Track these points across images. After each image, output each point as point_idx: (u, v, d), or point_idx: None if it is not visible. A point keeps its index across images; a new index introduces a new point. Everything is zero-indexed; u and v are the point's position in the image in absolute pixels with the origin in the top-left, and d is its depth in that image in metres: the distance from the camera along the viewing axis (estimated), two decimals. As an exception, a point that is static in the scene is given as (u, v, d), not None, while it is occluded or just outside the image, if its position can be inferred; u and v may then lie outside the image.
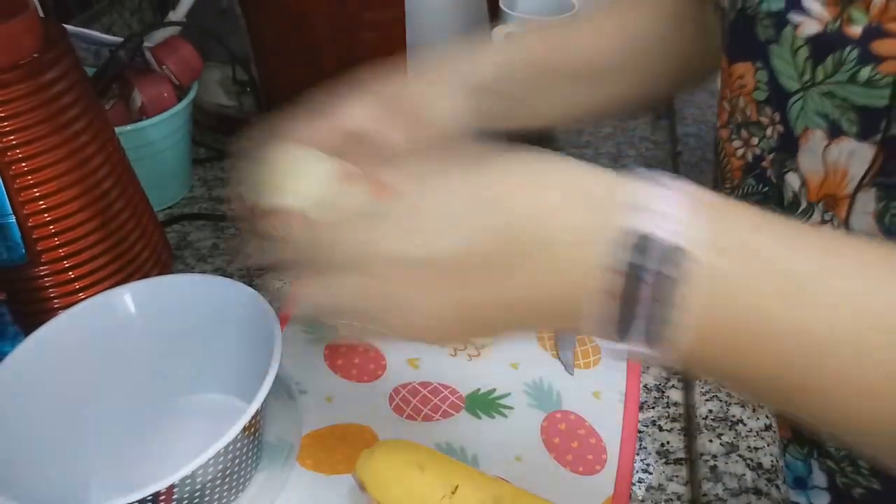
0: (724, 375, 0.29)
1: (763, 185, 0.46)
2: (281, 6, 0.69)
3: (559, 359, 0.53)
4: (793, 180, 0.43)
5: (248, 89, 0.77)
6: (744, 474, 0.43)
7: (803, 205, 0.43)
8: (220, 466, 0.41)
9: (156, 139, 0.64)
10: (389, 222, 0.31)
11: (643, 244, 0.27)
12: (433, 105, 0.44)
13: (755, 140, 0.46)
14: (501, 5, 0.74)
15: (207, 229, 0.69)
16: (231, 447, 0.41)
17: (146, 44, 0.64)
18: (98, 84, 0.63)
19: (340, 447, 0.47)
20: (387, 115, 0.41)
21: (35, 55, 0.49)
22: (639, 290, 0.27)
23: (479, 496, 0.39)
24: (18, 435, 0.44)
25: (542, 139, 0.81)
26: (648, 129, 0.85)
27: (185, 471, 0.39)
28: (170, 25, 0.65)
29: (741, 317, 0.26)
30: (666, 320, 0.27)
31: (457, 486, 0.39)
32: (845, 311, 0.26)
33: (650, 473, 0.46)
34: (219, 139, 0.80)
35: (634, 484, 0.45)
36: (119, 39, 0.64)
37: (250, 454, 0.44)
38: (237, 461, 0.43)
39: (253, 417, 0.41)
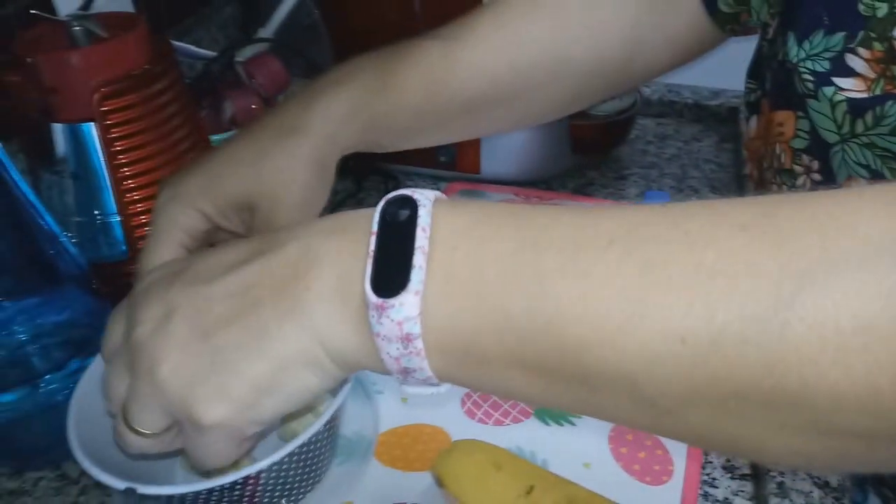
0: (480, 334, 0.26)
1: None
2: (363, 23, 0.72)
3: None
4: None
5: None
6: (811, 492, 0.44)
7: None
8: (303, 457, 0.44)
9: (243, 148, 0.68)
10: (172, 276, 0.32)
11: (386, 207, 0.28)
12: (279, 198, 0.44)
13: (784, 189, 0.46)
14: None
15: (285, 235, 0.72)
16: (314, 439, 0.43)
17: (237, 58, 0.68)
18: (193, 94, 0.67)
19: (415, 446, 0.49)
20: (228, 219, 0.44)
21: (146, 67, 0.53)
22: (389, 239, 0.27)
23: (554, 497, 0.41)
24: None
25: (607, 160, 0.83)
26: (713, 150, 0.86)
27: (274, 458, 0.41)
28: (260, 42, 0.69)
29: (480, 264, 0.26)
30: (412, 255, 0.26)
31: (532, 486, 0.41)
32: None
33: (716, 487, 0.47)
34: (296, 149, 0.84)
35: (700, 496, 0.46)
36: (213, 53, 0.68)
37: (328, 447, 0.47)
38: (317, 453, 0.45)
39: (335, 413, 0.43)
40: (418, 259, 0.26)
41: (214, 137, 0.66)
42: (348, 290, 0.27)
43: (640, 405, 0.25)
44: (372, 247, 0.27)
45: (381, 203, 0.28)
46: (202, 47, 0.75)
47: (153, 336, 0.30)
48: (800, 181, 0.44)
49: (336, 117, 0.46)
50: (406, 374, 0.28)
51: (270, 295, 0.29)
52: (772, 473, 0.45)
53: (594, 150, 0.81)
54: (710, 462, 0.49)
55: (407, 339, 0.26)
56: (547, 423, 0.51)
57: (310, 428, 0.42)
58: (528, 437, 0.50)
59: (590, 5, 0.49)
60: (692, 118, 0.92)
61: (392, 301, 0.26)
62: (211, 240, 0.46)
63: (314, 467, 0.46)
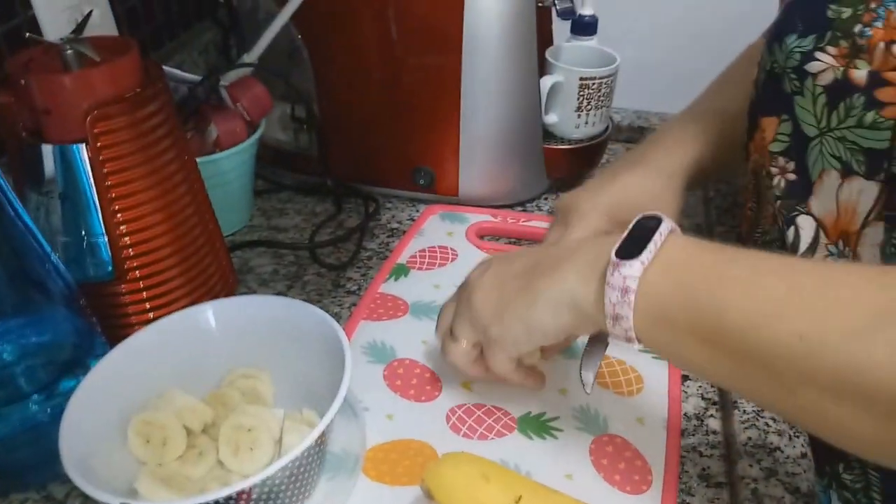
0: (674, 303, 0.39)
1: (773, 229, 0.51)
2: (343, 49, 0.74)
3: (580, 377, 0.55)
4: (805, 223, 0.47)
5: (305, 126, 0.82)
6: (783, 497, 0.46)
7: (802, 247, 0.48)
8: (294, 472, 0.45)
9: (226, 170, 0.69)
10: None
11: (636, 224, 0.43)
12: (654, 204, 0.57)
13: (767, 190, 0.50)
14: (547, 56, 0.79)
15: (267, 255, 0.73)
16: (305, 454, 0.44)
17: (222, 82, 0.69)
18: (178, 117, 0.68)
19: (402, 461, 0.50)
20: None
21: (137, 90, 0.54)
22: (637, 232, 0.42)
23: (541, 506, 0.42)
24: (98, 430, 0.47)
25: (579, 183, 0.86)
26: (680, 175, 0.89)
27: (267, 472, 0.42)
28: (243, 66, 0.70)
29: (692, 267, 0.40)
30: (652, 242, 0.41)
31: (520, 497, 0.42)
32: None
33: (693, 495, 0.49)
34: (277, 172, 0.85)
35: (678, 504, 0.48)
36: (198, 77, 0.69)
37: (318, 463, 0.48)
38: (308, 468, 0.46)
39: (325, 429, 0.44)
40: (651, 246, 0.40)
41: (203, 159, 0.67)
42: (598, 261, 0.42)
43: (772, 382, 0.35)
44: (625, 234, 0.42)
45: (639, 216, 0.43)
46: (183, 71, 0.76)
47: (476, 280, 0.50)
48: (776, 181, 0.49)
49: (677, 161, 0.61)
50: (616, 320, 0.40)
51: (548, 268, 0.45)
52: (746, 480, 0.47)
53: (567, 174, 0.84)
54: (687, 471, 0.51)
55: (625, 291, 0.40)
56: (530, 437, 0.52)
57: (301, 443, 0.43)
58: (511, 450, 0.51)
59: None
60: (660, 143, 0.95)
61: (625, 262, 0.40)
62: None
63: (304, 482, 0.47)
